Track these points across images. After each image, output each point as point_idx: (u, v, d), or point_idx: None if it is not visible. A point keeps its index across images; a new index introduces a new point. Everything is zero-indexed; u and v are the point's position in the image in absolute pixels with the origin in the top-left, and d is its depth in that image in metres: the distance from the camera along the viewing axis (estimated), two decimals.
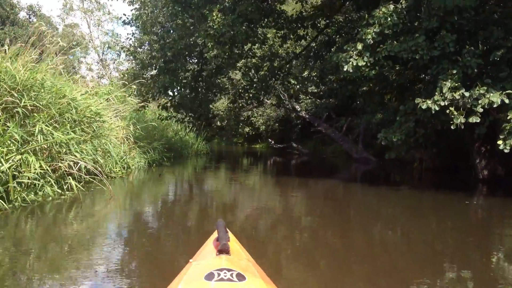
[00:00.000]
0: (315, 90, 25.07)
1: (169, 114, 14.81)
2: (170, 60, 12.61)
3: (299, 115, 25.61)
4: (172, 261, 4.34)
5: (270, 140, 29.61)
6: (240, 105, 14.09)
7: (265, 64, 13.02)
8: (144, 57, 12.90)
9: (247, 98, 13.48)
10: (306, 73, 24.09)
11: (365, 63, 9.56)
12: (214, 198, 9.14)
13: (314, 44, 17.05)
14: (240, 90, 13.52)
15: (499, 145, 8.37)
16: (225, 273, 2.14)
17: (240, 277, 2.13)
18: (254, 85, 13.25)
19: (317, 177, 14.04)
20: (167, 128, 18.09)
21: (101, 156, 8.82)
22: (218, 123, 36.70)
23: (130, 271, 4.02)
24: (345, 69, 9.74)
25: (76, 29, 41.90)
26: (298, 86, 20.15)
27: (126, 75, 13.86)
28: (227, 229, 2.89)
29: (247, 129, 35.11)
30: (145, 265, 4.30)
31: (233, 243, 2.80)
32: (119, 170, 10.11)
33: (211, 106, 36.77)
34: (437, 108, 8.59)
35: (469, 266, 4.62)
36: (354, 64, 9.66)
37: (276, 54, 13.61)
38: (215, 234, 2.91)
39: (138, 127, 12.25)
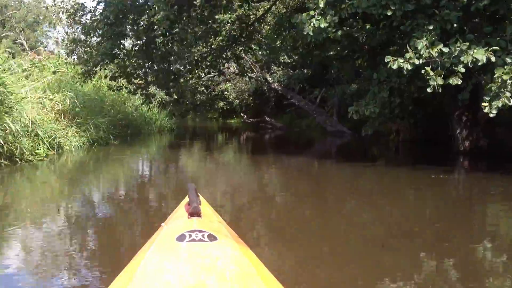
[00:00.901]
0: (288, 60, 23.59)
1: (119, 85, 13.22)
2: (113, 23, 11.03)
3: (271, 87, 24.20)
4: None
5: (242, 114, 28.13)
6: (197, 75, 12.55)
7: (223, 28, 11.52)
8: (87, 21, 11.23)
9: (204, 67, 11.98)
10: (278, 42, 22.63)
11: (328, 23, 8.13)
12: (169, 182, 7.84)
13: (285, 10, 15.68)
14: (196, 58, 12.03)
15: (484, 107, 7.06)
16: (196, 234, 2.13)
17: (212, 237, 2.13)
18: (212, 52, 11.78)
19: (289, 152, 13.16)
20: (126, 103, 16.58)
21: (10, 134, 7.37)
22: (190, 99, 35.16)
23: None
24: (305, 33, 8.34)
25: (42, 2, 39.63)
26: (261, 53, 18.61)
27: (68, 43, 12.14)
28: (198, 193, 2.79)
29: (221, 104, 33.60)
30: None
31: (204, 207, 2.76)
32: (43, 152, 8.60)
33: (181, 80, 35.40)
34: (409, 68, 7.22)
35: (448, 253, 4.03)
36: (316, 26, 8.23)
37: (237, 17, 12.09)
38: (186, 199, 2.85)
39: (75, 100, 10.73)
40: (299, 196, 6.76)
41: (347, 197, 6.84)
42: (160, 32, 12.47)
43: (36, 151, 8.34)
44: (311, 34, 8.38)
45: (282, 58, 23.55)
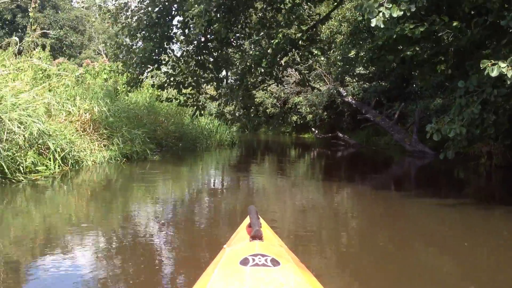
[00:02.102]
0: (364, 72, 21.52)
1: (169, 96, 11.78)
2: (155, 23, 9.68)
3: (344, 101, 22.17)
4: None
5: (313, 129, 26.17)
6: (249, 83, 10.91)
7: (280, 30, 9.84)
8: (131, 21, 9.90)
9: (257, 74, 10.33)
10: (353, 53, 20.65)
11: (402, 12, 6.25)
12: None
13: (361, 18, 13.74)
14: (249, 64, 10.40)
15: None
16: (259, 258, 2.12)
17: (275, 262, 2.12)
18: (267, 58, 10.10)
19: (361, 173, 12.17)
20: (182, 113, 15.28)
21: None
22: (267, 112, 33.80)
23: None
24: (373, 24, 6.49)
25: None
26: (322, 59, 16.71)
27: (111, 45, 10.83)
28: (259, 216, 2.81)
29: (294, 118, 31.89)
30: None
31: (265, 230, 2.74)
32: (46, 169, 7.22)
33: (254, 92, 34.10)
34: None
35: None
36: (387, 16, 6.37)
37: (296, 18, 10.35)
38: (246, 221, 2.86)
39: (104, 109, 9.39)
40: (371, 225, 6.06)
41: (426, 233, 5.72)
42: (214, 37, 11.08)
43: (38, 167, 6.98)
44: (381, 26, 6.51)
45: (358, 69, 21.55)
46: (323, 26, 21.76)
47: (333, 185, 9.47)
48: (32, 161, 6.83)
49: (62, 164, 7.67)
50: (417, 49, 8.67)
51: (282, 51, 10.16)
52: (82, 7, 36.41)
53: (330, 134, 23.60)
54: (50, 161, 7.34)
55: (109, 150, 9.25)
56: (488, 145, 12.45)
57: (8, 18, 31.97)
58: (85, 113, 8.98)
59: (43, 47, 12.08)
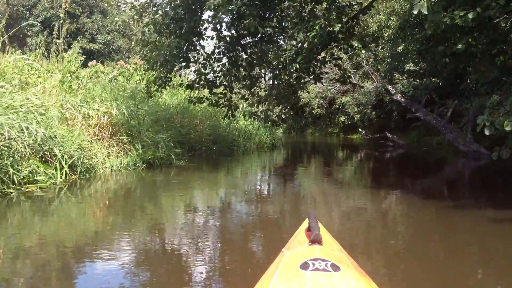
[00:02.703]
0: (414, 68, 20.23)
1: (200, 96, 11.00)
2: (181, 18, 9.01)
3: (393, 99, 20.95)
4: None
5: (360, 130, 24.98)
6: (284, 81, 10.05)
7: (317, 22, 8.98)
8: (158, 17, 9.26)
9: (292, 71, 9.47)
10: (400, 47, 19.45)
11: None
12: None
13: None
14: (283, 60, 9.58)
15: None
16: (319, 263, 2.11)
17: (335, 267, 2.10)
18: (303, 52, 9.26)
19: (412, 175, 11.47)
20: (219, 116, 14.59)
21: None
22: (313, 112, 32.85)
23: None
24: (415, 11, 5.60)
25: None
26: (364, 53, 15.58)
27: (137, 42, 10.22)
28: (317, 220, 2.74)
29: (341, 118, 30.76)
30: None
31: (324, 234, 2.67)
32: (47, 179, 6.53)
33: (300, 92, 33.15)
34: None
35: None
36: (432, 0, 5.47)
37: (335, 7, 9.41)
38: (305, 224, 2.85)
39: (123, 111, 8.73)
40: (423, 230, 5.64)
41: (480, 249, 4.97)
42: (246, 31, 10.38)
43: (38, 177, 6.31)
44: (425, 12, 5.58)
45: (407, 65, 20.30)
46: (371, 20, 20.71)
47: (381, 189, 8.82)
48: (31, 170, 6.12)
49: (70, 173, 6.98)
50: (470, 40, 7.62)
51: (320, 45, 9.28)
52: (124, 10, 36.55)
53: (378, 135, 22.42)
54: (56, 169, 6.66)
55: (128, 156, 8.56)
56: None
57: (56, 24, 32.40)
58: (103, 116, 8.37)
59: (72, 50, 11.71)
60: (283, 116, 13.76)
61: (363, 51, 9.55)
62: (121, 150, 8.52)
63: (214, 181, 8.82)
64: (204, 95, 11.02)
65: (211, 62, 10.52)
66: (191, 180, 8.54)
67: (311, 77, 10.30)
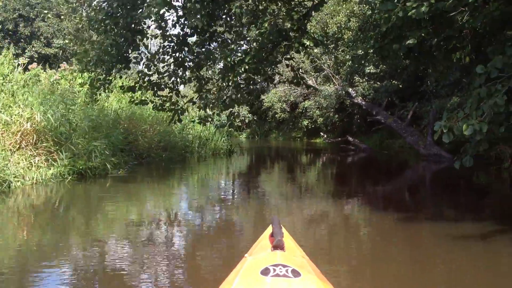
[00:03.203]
0: (374, 70, 19.84)
1: (140, 97, 10.08)
2: (116, 12, 8.19)
3: (354, 102, 20.50)
4: None
5: (322, 134, 24.46)
6: (232, 83, 9.29)
7: (266, 19, 8.31)
8: (91, 12, 8.37)
9: (241, 71, 8.75)
10: (360, 50, 19.03)
11: None
12: None
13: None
14: (230, 61, 8.86)
15: None
16: (280, 268, 2.09)
17: (296, 273, 2.09)
18: (251, 52, 8.58)
19: (373, 180, 11.26)
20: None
21: None
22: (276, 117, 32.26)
23: None
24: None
25: None
26: (316, 51, 15.01)
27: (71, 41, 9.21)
28: (281, 226, 2.75)
29: (305, 122, 30.24)
30: None
31: (287, 240, 2.68)
32: None
33: (262, 96, 32.51)
34: None
35: None
36: None
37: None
38: (269, 230, 2.83)
39: (54, 117, 7.83)
40: (385, 236, 5.60)
41: (443, 247, 5.03)
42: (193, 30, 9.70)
43: None
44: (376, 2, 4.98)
45: (367, 68, 19.89)
46: (330, 21, 20.25)
47: (342, 195, 8.68)
48: None
49: None
50: (423, 34, 7.05)
51: (270, 43, 8.61)
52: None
53: (339, 138, 21.93)
54: None
55: (54, 166, 7.61)
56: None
57: (10, 28, 30.99)
58: (27, 123, 7.45)
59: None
60: (235, 120, 12.93)
61: (316, 49, 8.92)
62: (45, 160, 7.59)
63: (156, 192, 8.02)
64: (148, 97, 10.21)
65: (155, 62, 9.71)
66: (128, 191, 7.70)
67: (262, 78, 9.60)
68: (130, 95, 10.30)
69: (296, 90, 26.53)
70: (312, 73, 24.25)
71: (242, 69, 8.75)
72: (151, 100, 9.98)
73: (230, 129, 35.56)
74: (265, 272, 2.08)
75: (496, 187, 10.45)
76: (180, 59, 9.87)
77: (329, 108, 23.69)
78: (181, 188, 8.74)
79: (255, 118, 35.72)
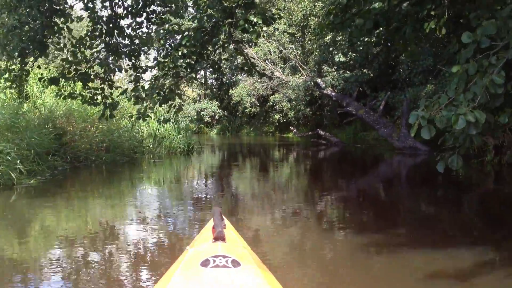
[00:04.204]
0: (343, 59, 18.50)
1: (69, 91, 8.47)
2: None
3: (323, 93, 19.13)
4: None
5: (291, 128, 23.03)
6: (168, 70, 7.73)
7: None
8: None
9: (178, 56, 7.22)
10: (328, 37, 17.69)
11: None
12: None
13: None
14: (163, 43, 7.35)
15: None
16: (220, 259, 2.12)
17: (235, 263, 2.12)
18: (189, 35, 7.07)
19: (342, 178, 10.24)
20: (120, 118, 12.17)
21: None
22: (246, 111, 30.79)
23: None
24: None
25: None
26: (265, 30, 13.61)
27: None
28: (223, 217, 2.76)
29: (276, 116, 28.84)
30: None
31: (229, 231, 2.73)
32: None
33: (231, 90, 31.01)
34: None
35: None
36: None
37: None
38: (211, 222, 2.79)
39: None
40: (360, 234, 4.87)
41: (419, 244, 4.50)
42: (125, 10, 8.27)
43: None
44: None
45: (336, 56, 18.55)
46: (296, 8, 18.83)
47: (312, 195, 7.90)
48: None
49: None
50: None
51: (211, 22, 7.13)
52: None
53: (310, 133, 20.55)
54: None
55: None
56: (496, 137, 9.44)
57: None
58: None
59: None
60: (177, 114, 11.29)
61: (264, 28, 7.42)
62: None
63: (66, 207, 6.36)
64: (75, 90, 8.64)
65: (83, 49, 8.13)
66: (37, 206, 6.12)
67: (205, 65, 8.10)
68: (56, 88, 8.71)
69: (264, 83, 25.08)
70: (279, 64, 22.81)
71: (180, 53, 7.24)
72: (80, 93, 8.41)
73: (200, 125, 34.04)
74: (205, 263, 2.09)
75: (478, 182, 9.22)
76: (111, 44, 8.32)
77: (298, 100, 22.32)
78: (107, 198, 7.13)
79: (225, 114, 34.20)
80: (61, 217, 5.58)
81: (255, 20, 7.01)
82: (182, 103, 9.58)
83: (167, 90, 7.86)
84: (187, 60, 7.38)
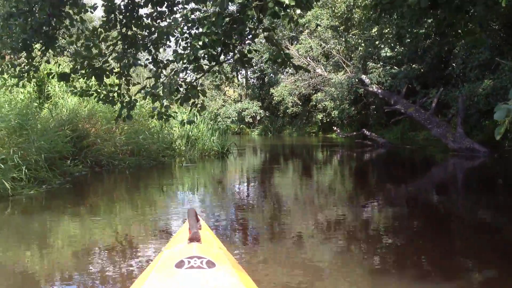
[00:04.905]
0: (390, 54, 17.10)
1: (85, 89, 7.55)
2: None
3: (368, 91, 17.76)
4: None
5: (335, 128, 21.67)
6: (184, 71, 6.69)
7: None
8: None
9: (198, 46, 6.21)
10: (374, 30, 16.34)
11: None
12: None
13: None
14: (182, 31, 6.34)
15: None
16: (195, 260, 2.11)
17: (210, 264, 2.11)
18: (210, 21, 6.02)
19: (391, 181, 9.14)
20: (147, 119, 11.30)
21: None
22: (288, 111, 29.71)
23: None
24: None
25: None
26: (302, 14, 12.38)
27: None
28: (199, 218, 2.75)
29: (319, 116, 27.62)
30: None
31: (205, 232, 2.71)
32: None
33: (272, 90, 29.95)
34: None
35: None
36: None
37: None
38: (187, 223, 2.75)
39: None
40: (411, 244, 4.39)
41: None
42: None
43: None
44: None
45: (383, 51, 17.16)
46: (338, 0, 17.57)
47: (358, 200, 7.15)
48: None
49: None
50: None
51: (237, 6, 6.07)
52: None
53: (354, 133, 19.21)
54: None
55: None
56: None
57: None
58: None
59: None
60: (200, 114, 10.25)
61: (298, 11, 6.26)
62: None
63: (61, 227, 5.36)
64: (90, 87, 7.74)
65: (97, 41, 7.24)
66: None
67: (230, 57, 7.03)
68: (69, 85, 7.85)
69: (305, 81, 23.89)
70: (322, 61, 21.57)
71: (201, 43, 6.20)
72: (96, 90, 7.52)
73: (241, 126, 33.02)
74: (180, 264, 2.07)
75: None
76: (129, 37, 7.39)
77: (342, 99, 20.98)
78: (115, 213, 6.09)
79: (267, 114, 33.20)
80: (31, 242, 4.52)
81: (286, 1, 5.90)
82: (205, 101, 8.43)
83: (189, 87, 6.85)
84: (209, 51, 6.34)
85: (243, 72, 36.26)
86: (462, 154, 12.65)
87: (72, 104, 9.88)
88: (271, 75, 31.22)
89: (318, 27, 22.40)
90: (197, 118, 13.79)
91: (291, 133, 31.41)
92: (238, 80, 37.10)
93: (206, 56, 6.53)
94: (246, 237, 4.81)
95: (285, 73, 27.65)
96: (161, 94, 6.81)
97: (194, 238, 2.38)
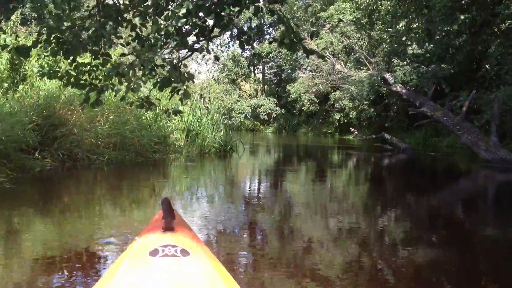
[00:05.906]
0: (418, 51, 15.53)
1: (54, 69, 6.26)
2: None
3: (391, 90, 16.20)
4: None
5: (352, 130, 20.05)
6: (161, 47, 5.29)
7: None
8: None
9: (181, 15, 4.82)
10: (401, 24, 14.79)
11: None
12: None
13: None
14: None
15: None
16: (169, 249, 2.09)
17: (184, 252, 2.10)
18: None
19: (414, 191, 8.18)
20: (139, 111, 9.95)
21: None
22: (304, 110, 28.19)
23: None
24: None
25: None
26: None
27: None
28: (173, 208, 2.63)
29: (337, 116, 26.10)
30: None
31: (179, 221, 2.66)
32: None
33: (288, 86, 28.52)
34: None
35: None
36: None
37: None
38: (161, 213, 2.69)
39: None
40: (432, 262, 4.00)
41: None
42: None
43: None
44: None
45: (410, 48, 15.61)
46: None
47: (374, 210, 6.45)
48: None
49: None
50: None
51: None
52: None
53: (373, 136, 17.65)
54: None
55: None
56: None
57: None
58: None
59: None
60: (182, 102, 8.85)
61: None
62: None
63: None
64: (60, 68, 6.40)
65: (67, 11, 5.85)
66: None
67: (224, 32, 5.60)
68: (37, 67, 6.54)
69: (323, 77, 22.38)
70: (342, 57, 20.04)
71: (184, 11, 4.78)
72: (67, 71, 6.12)
73: (256, 122, 31.46)
74: (154, 252, 2.03)
75: None
76: (105, 6, 5.98)
77: (361, 98, 19.41)
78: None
79: (282, 112, 31.75)
80: None
81: None
82: (189, 87, 7.05)
83: (170, 68, 5.43)
84: (194, 21, 4.92)
85: (260, 67, 34.88)
86: (495, 165, 11.09)
87: (51, 87, 8.54)
88: (289, 71, 29.76)
89: (341, 22, 20.96)
90: (200, 110, 12.45)
91: (306, 132, 29.96)
92: (255, 75, 35.70)
93: (191, 28, 5.10)
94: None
95: (302, 68, 26.12)
96: (129, 74, 5.39)
97: (168, 227, 2.35)
